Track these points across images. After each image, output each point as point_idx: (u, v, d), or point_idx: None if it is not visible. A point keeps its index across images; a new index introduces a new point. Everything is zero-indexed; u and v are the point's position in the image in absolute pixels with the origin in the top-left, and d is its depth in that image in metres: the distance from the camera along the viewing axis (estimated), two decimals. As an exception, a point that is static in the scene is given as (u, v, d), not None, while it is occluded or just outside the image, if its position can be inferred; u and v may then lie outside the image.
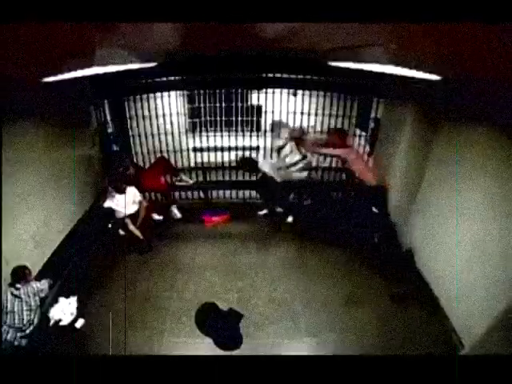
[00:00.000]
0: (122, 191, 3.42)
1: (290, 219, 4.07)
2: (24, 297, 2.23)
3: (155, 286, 2.93)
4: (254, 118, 5.88)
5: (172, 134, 4.44)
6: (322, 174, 4.52)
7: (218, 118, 5.15)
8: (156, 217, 4.12)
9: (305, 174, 3.90)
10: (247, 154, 4.53)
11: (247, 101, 5.72)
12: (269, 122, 4.58)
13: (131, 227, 3.47)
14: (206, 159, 4.85)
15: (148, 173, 3.99)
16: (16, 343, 2.13)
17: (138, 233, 3.47)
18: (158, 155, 4.24)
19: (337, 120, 4.06)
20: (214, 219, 4.05)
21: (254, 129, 6.01)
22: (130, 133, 4.34)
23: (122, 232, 3.65)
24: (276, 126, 4.70)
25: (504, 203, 1.99)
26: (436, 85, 2.02)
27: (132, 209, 3.54)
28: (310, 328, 2.52)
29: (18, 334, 2.16)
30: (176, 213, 4.20)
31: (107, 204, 3.41)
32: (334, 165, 4.53)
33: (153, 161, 4.23)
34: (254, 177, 4.15)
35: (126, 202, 3.43)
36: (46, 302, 2.53)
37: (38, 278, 2.61)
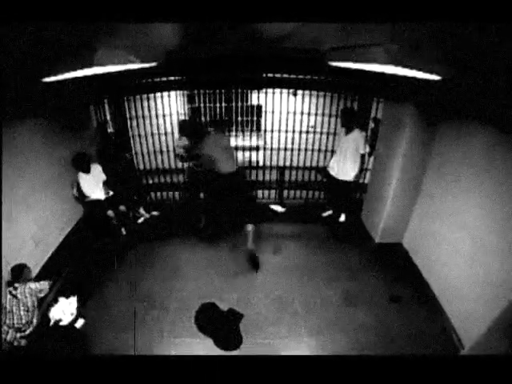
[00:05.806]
0: (88, 170, 3.41)
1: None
2: (21, 297, 2.22)
3: (155, 285, 2.93)
4: (254, 118, 5.90)
5: (172, 133, 4.44)
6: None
7: (218, 118, 5.15)
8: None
9: None
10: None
11: (247, 101, 5.73)
12: (269, 121, 4.57)
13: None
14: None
15: None
16: (16, 343, 2.13)
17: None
18: (158, 155, 4.22)
19: (337, 120, 4.06)
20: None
21: (254, 129, 6.03)
22: (130, 133, 4.33)
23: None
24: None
25: (505, 203, 1.99)
26: (436, 85, 2.02)
27: (100, 191, 3.52)
28: (310, 328, 2.52)
29: (18, 335, 2.16)
30: (143, 213, 4.07)
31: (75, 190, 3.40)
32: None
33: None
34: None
35: (93, 181, 3.43)
36: (46, 302, 2.53)
37: (38, 278, 2.62)
